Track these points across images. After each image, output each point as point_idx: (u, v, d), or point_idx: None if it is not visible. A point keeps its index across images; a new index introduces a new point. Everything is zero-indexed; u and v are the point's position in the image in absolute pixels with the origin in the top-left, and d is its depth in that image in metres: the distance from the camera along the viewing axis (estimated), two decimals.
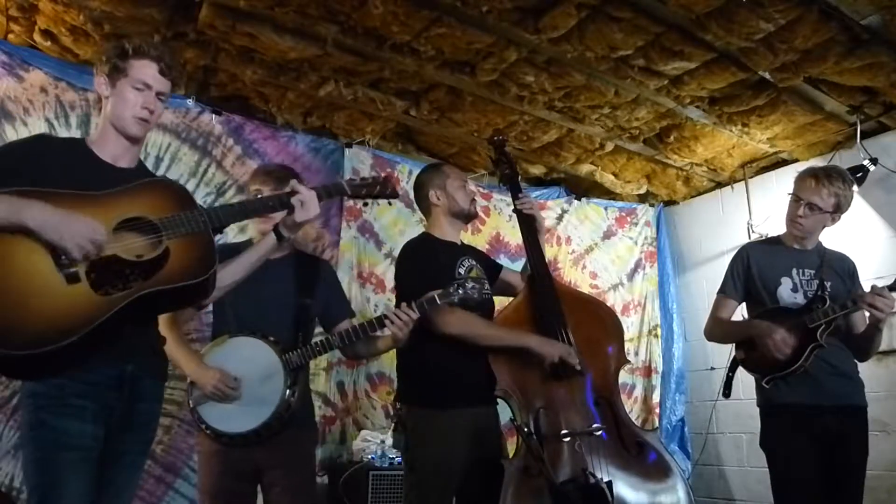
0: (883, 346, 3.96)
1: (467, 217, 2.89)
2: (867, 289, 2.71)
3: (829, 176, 2.77)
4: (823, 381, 2.69)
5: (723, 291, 2.97)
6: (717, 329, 2.97)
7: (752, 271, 2.89)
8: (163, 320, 2.31)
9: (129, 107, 1.87)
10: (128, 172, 1.90)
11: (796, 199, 2.84)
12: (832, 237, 4.27)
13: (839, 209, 2.80)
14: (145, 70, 1.88)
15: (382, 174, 2.28)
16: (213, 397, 2.34)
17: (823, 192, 2.76)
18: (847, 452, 2.69)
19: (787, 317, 2.72)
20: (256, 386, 2.36)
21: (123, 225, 1.74)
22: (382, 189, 2.20)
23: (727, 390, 3.02)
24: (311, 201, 1.99)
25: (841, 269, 2.87)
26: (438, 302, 2.44)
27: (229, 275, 2.07)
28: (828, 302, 2.68)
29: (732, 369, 2.98)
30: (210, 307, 2.54)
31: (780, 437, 2.76)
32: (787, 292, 2.80)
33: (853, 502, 2.68)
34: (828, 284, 2.75)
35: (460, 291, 2.45)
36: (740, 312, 3.03)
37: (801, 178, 2.86)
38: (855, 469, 2.70)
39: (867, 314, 2.73)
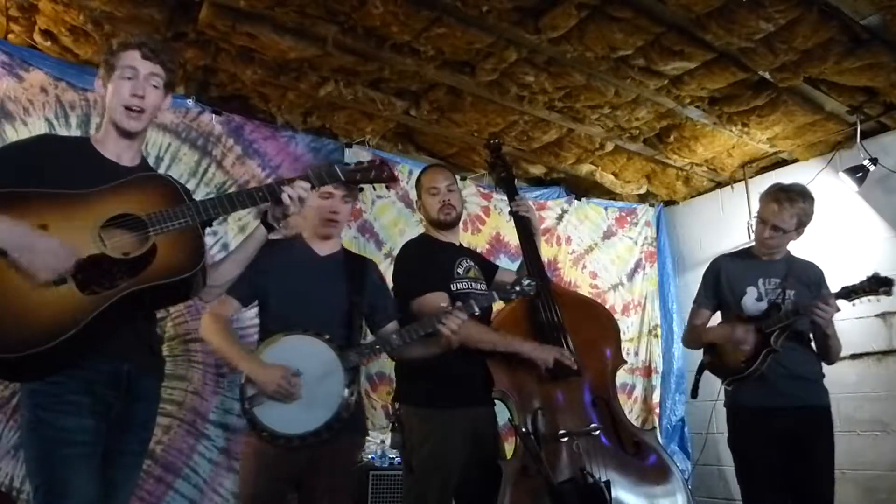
0: (883, 346, 4.01)
1: (439, 225, 2.88)
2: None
3: (790, 199, 2.92)
4: (777, 383, 2.86)
5: (696, 302, 3.21)
6: (690, 337, 3.26)
7: (721, 282, 3.10)
8: (209, 320, 2.34)
9: (120, 97, 1.88)
10: (131, 170, 1.90)
11: (762, 221, 3.00)
12: (832, 237, 4.29)
13: (802, 225, 2.97)
14: (129, 56, 1.89)
15: (378, 160, 2.15)
16: (276, 396, 2.21)
17: (785, 214, 2.92)
18: (808, 450, 2.82)
19: (747, 323, 2.93)
20: (315, 385, 2.26)
21: (112, 222, 1.74)
22: (378, 173, 2.09)
23: (694, 392, 3.29)
24: (305, 196, 1.95)
25: (807, 277, 3.03)
26: (497, 298, 2.48)
27: (225, 273, 2.06)
28: (783, 310, 2.87)
29: (699, 372, 3.20)
30: (256, 306, 2.49)
31: (741, 437, 2.97)
32: (752, 301, 2.99)
33: (823, 498, 2.80)
34: (791, 293, 2.93)
35: (516, 289, 2.49)
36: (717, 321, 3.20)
37: (765, 202, 3.00)
38: (819, 466, 2.82)
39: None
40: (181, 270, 1.76)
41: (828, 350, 2.95)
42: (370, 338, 2.58)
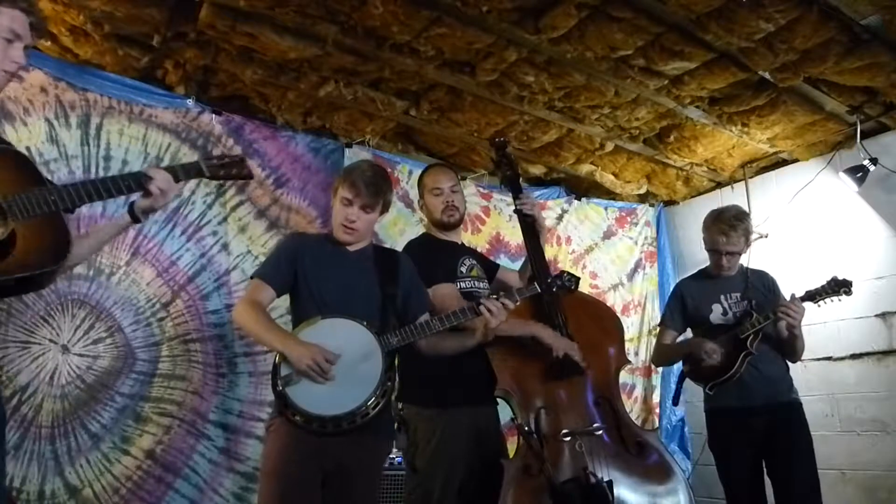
0: (883, 346, 4.02)
1: (442, 226, 2.88)
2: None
3: (731, 225, 3.14)
4: (751, 385, 3.05)
5: (663, 323, 3.41)
6: (658, 354, 3.45)
7: (686, 305, 3.29)
8: (245, 306, 2.25)
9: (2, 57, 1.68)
10: None
11: (715, 252, 3.21)
12: (832, 237, 4.29)
13: (748, 240, 3.23)
14: (16, 18, 1.70)
15: (239, 156, 2.10)
16: (309, 373, 2.12)
17: (734, 239, 3.15)
18: (785, 444, 3.00)
19: (722, 332, 3.13)
20: (352, 367, 2.18)
21: None
22: (240, 170, 2.06)
23: (675, 399, 3.62)
24: (168, 188, 1.85)
25: (763, 285, 3.25)
26: (539, 290, 2.48)
27: (81, 254, 1.95)
28: (754, 315, 3.07)
29: (680, 381, 3.42)
30: (286, 296, 2.40)
31: (719, 437, 3.17)
32: (718, 317, 3.20)
33: (807, 486, 2.95)
34: (754, 302, 3.14)
35: (558, 282, 2.51)
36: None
37: (710, 235, 3.21)
38: (797, 457, 2.98)
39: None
40: (49, 261, 1.62)
41: (794, 350, 3.12)
42: None
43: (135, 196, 1.88)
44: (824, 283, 3.06)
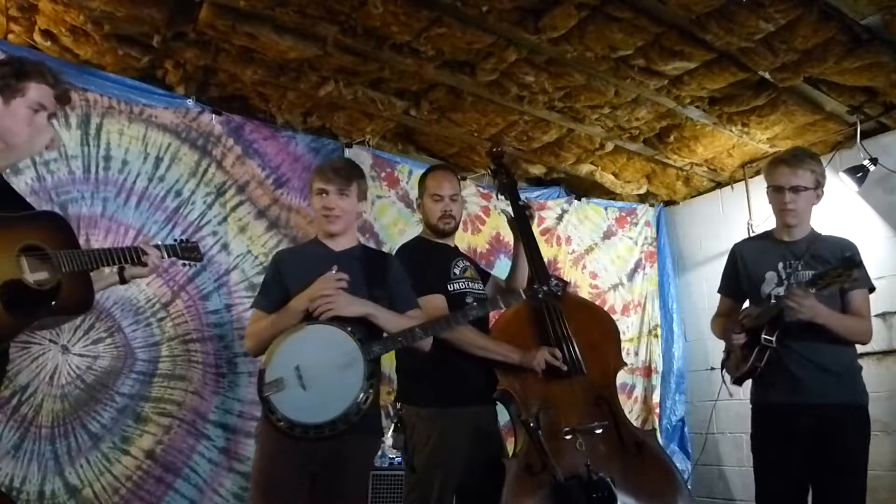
0: (883, 346, 4.00)
1: (436, 232, 2.90)
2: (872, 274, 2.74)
3: (797, 157, 2.75)
4: (803, 378, 2.62)
5: (719, 290, 3.07)
6: (712, 326, 3.07)
7: (740, 269, 2.90)
8: (251, 341, 2.43)
9: (20, 123, 1.98)
10: None
11: (777, 188, 2.77)
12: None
13: (819, 185, 2.78)
14: (44, 93, 2.01)
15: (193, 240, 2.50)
16: (319, 303, 2.29)
17: (800, 171, 2.72)
18: (830, 450, 2.59)
19: (759, 317, 2.71)
20: (334, 375, 2.24)
21: (25, 251, 1.89)
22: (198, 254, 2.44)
23: (741, 381, 2.90)
24: (158, 263, 2.24)
25: (834, 256, 2.71)
26: (524, 297, 2.54)
27: None
28: (773, 300, 2.66)
29: (723, 367, 3.02)
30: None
31: (758, 436, 2.81)
32: (772, 288, 2.75)
33: (846, 502, 2.59)
34: (808, 274, 2.66)
35: (544, 289, 2.54)
36: None
37: (774, 169, 2.79)
38: (842, 469, 2.60)
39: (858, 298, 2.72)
40: (84, 307, 2.05)
41: (843, 337, 2.66)
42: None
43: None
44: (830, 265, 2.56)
